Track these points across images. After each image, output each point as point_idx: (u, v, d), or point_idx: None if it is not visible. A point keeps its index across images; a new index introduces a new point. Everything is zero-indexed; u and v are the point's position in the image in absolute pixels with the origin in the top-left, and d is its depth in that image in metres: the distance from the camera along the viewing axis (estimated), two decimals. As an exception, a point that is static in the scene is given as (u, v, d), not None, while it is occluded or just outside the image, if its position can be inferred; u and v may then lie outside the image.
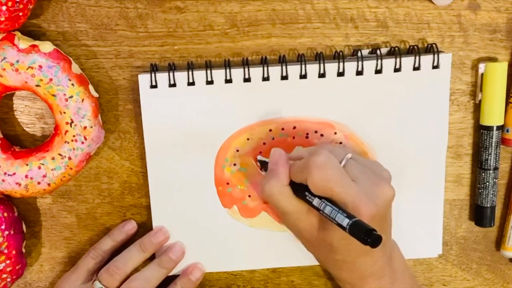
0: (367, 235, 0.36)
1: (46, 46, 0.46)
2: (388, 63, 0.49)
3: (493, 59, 0.51)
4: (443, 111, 0.50)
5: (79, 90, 0.46)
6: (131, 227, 0.52)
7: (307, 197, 0.42)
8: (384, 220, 0.43)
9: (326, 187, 0.41)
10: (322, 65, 0.48)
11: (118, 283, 0.49)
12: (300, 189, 0.43)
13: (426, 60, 0.49)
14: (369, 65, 0.49)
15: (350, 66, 0.49)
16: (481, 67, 0.50)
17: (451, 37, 0.50)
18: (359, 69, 0.49)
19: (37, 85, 0.46)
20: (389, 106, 0.50)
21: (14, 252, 0.49)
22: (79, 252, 0.53)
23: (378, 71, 0.49)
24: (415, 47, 0.49)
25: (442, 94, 0.50)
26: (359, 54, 0.50)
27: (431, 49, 0.49)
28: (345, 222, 0.38)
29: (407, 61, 0.49)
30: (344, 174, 0.42)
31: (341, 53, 0.49)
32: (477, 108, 0.52)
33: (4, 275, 0.49)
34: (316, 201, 0.41)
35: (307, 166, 0.42)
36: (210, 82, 0.49)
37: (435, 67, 0.49)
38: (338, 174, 0.41)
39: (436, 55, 0.48)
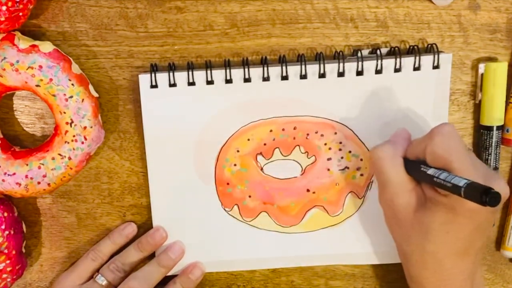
0: (485, 194, 0.34)
1: (46, 46, 0.46)
2: (388, 63, 0.49)
3: (493, 59, 0.51)
4: (443, 111, 0.50)
5: (79, 90, 0.46)
6: (131, 230, 0.52)
7: (422, 168, 0.41)
8: (492, 219, 0.40)
9: (444, 157, 0.40)
10: (322, 65, 0.48)
11: (119, 279, 0.50)
12: (412, 165, 0.42)
13: (426, 60, 0.49)
14: (369, 65, 0.49)
15: (350, 66, 0.49)
16: (481, 67, 0.50)
17: (451, 37, 0.50)
18: (359, 69, 0.49)
19: (37, 85, 0.46)
20: (389, 106, 0.50)
21: (14, 252, 0.49)
22: (79, 252, 0.53)
23: (378, 71, 0.49)
24: (415, 47, 0.49)
25: (442, 94, 0.50)
26: (359, 54, 0.50)
27: (431, 49, 0.49)
28: (462, 182, 0.36)
29: (407, 61, 0.49)
30: (466, 151, 0.40)
31: (341, 53, 0.49)
32: (477, 108, 0.52)
33: (4, 275, 0.49)
34: (431, 170, 0.40)
35: (431, 134, 0.41)
36: (210, 82, 0.49)
37: (435, 67, 0.49)
38: (460, 147, 0.40)
39: (436, 55, 0.48)
